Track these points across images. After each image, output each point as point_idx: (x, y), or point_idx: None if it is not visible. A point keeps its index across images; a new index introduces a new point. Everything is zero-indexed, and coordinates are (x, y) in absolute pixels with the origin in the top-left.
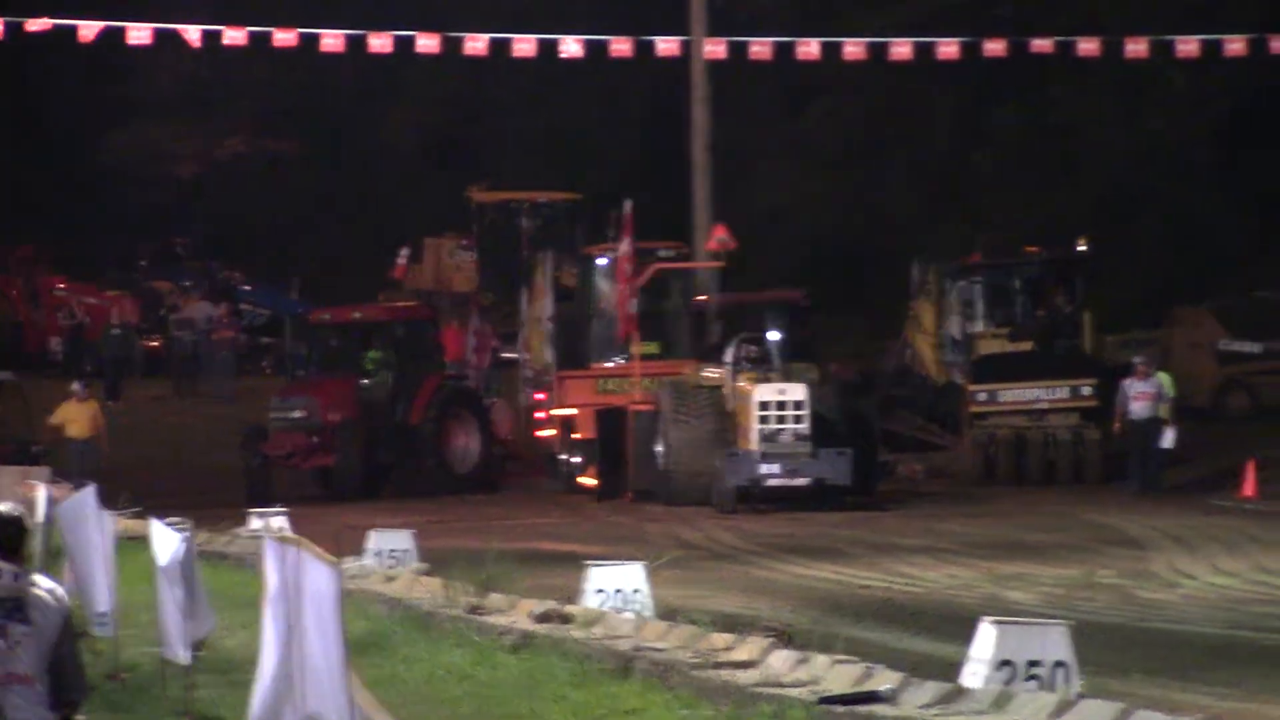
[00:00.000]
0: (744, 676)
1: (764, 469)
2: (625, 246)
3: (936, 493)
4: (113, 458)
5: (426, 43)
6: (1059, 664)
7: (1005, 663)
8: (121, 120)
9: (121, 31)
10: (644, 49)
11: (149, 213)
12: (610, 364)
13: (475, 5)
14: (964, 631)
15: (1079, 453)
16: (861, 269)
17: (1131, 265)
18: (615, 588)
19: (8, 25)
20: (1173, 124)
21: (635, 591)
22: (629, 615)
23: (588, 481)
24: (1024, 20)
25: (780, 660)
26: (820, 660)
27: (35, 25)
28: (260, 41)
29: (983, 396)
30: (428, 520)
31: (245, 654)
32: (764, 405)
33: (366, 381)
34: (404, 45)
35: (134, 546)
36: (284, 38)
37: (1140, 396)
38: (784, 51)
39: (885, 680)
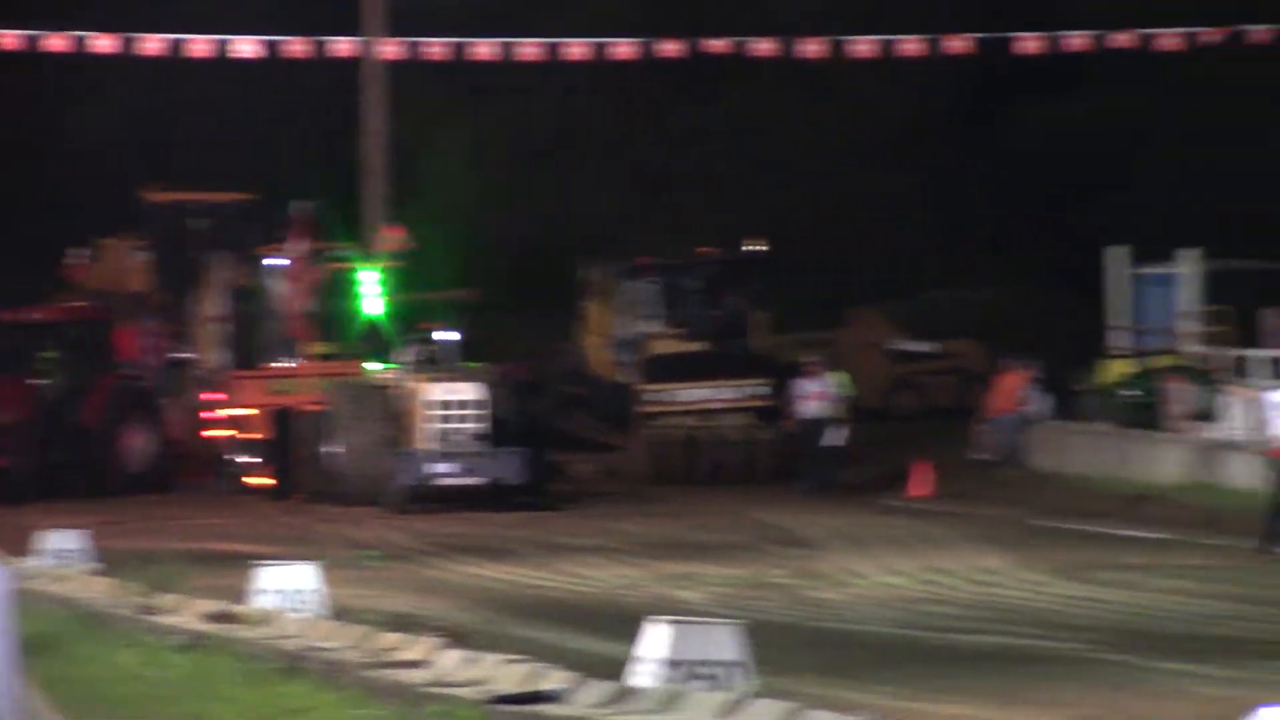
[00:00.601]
0: (414, 676)
1: (438, 468)
2: (299, 247)
3: (608, 493)
4: None
5: (104, 43)
6: (730, 663)
7: (676, 662)
8: None
9: None
10: (320, 50)
11: None
12: (283, 364)
13: (153, 6)
14: (635, 631)
15: (750, 452)
16: (536, 269)
17: (803, 266)
18: (286, 588)
19: None
20: (849, 126)
21: (306, 591)
22: (299, 615)
23: (260, 482)
24: (700, 21)
25: (450, 660)
26: (490, 660)
27: None
28: None
29: (654, 396)
30: (101, 521)
31: None
32: (437, 405)
33: (41, 382)
34: (80, 45)
35: None
36: None
37: (812, 396)
38: (461, 52)
39: (556, 680)
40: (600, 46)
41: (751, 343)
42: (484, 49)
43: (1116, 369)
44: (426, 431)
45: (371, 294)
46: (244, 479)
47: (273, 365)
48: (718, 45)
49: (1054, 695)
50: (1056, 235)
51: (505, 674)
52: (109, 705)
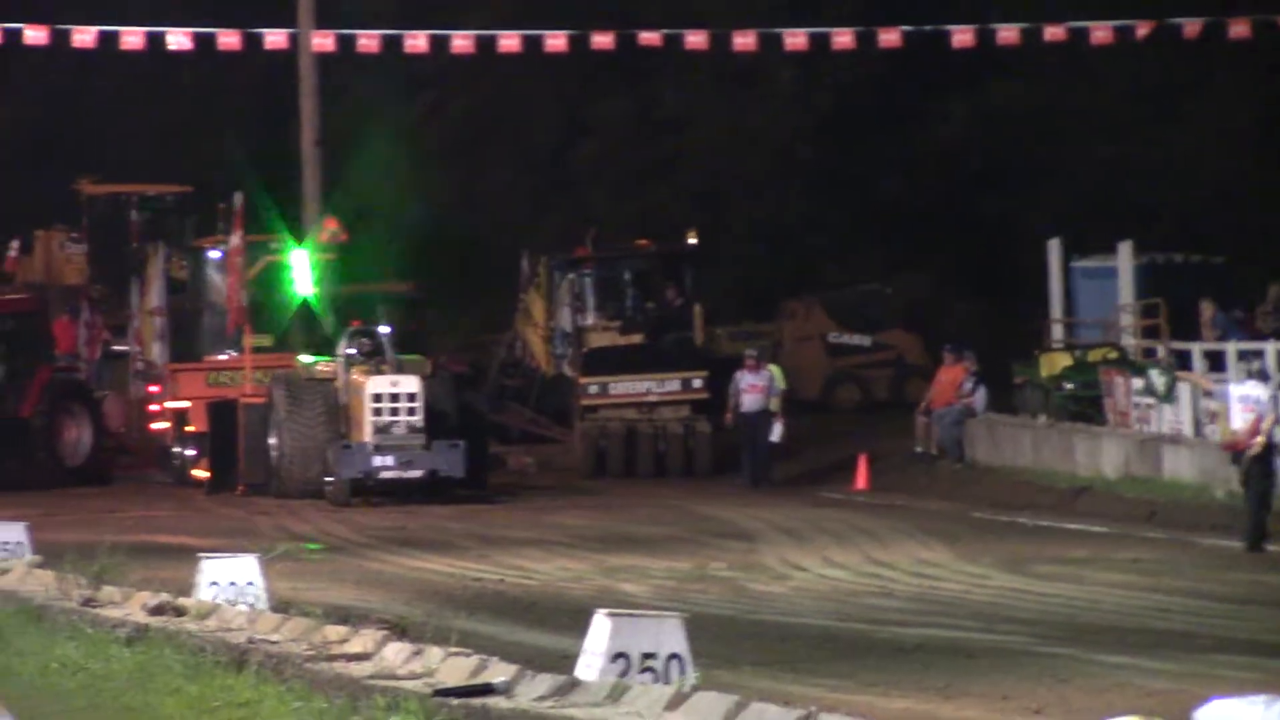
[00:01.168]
0: (358, 669)
1: (377, 461)
2: (236, 239)
3: (547, 486)
4: None
5: (35, 34)
6: (673, 656)
7: (620, 655)
8: None
9: None
10: (252, 42)
11: None
12: (222, 356)
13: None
14: (577, 624)
15: (690, 445)
16: (471, 261)
17: (739, 258)
18: (229, 580)
19: None
20: (778, 117)
21: (249, 584)
22: (243, 608)
23: (201, 474)
24: (630, 13)
25: (394, 653)
26: (435, 653)
27: None
28: None
29: (593, 389)
30: (40, 513)
31: None
32: (376, 397)
33: None
34: (12, 37)
35: None
36: None
37: (751, 389)
38: (392, 44)
39: (500, 673)
40: (532, 39)
41: (690, 335)
42: (415, 41)
43: (1056, 362)
44: (369, 424)
45: (304, 284)
46: (189, 471)
47: (212, 358)
48: (649, 38)
49: (998, 688)
50: (980, 228)
51: (450, 667)
52: (53, 698)
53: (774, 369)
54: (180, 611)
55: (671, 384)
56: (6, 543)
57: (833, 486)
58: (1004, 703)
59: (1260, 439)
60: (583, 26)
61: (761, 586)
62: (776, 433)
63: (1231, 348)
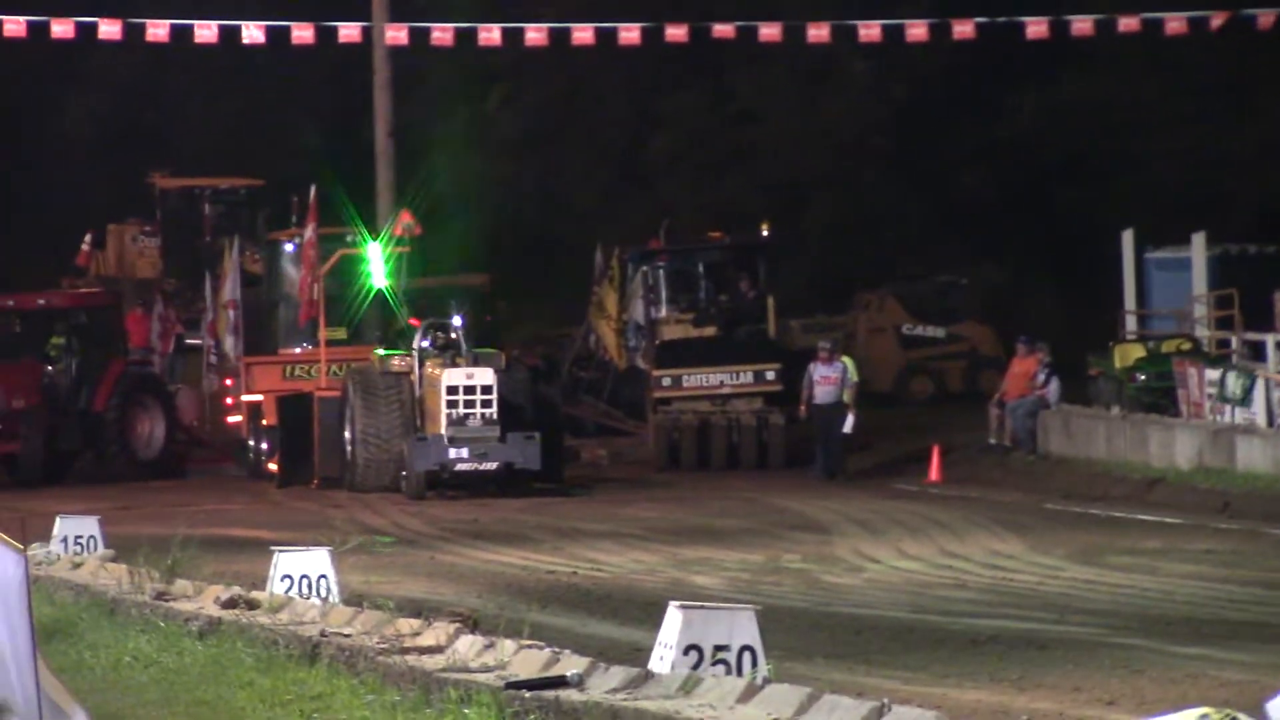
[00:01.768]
0: (431, 662)
1: (452, 453)
2: (310, 232)
3: (620, 478)
4: None
5: (109, 29)
6: (746, 648)
7: (692, 647)
8: None
9: None
10: (326, 35)
11: None
12: (297, 350)
13: None
14: (650, 616)
15: (763, 437)
16: (546, 254)
17: (813, 250)
18: (301, 573)
19: None
20: (852, 109)
21: (321, 577)
22: (315, 601)
23: (274, 468)
24: (705, 6)
25: (467, 645)
26: (507, 645)
27: None
28: None
29: (666, 382)
30: (113, 507)
31: None
32: (451, 390)
33: (51, 368)
34: (86, 31)
35: None
36: None
37: (824, 381)
38: (466, 37)
39: (572, 665)
40: (605, 32)
41: (764, 327)
42: (489, 34)
43: (1129, 353)
44: (442, 417)
45: (379, 277)
46: (266, 465)
47: (288, 351)
48: (722, 30)
49: (1070, 679)
50: (1056, 219)
51: (522, 659)
52: (125, 692)
53: (847, 361)
54: (253, 605)
55: (745, 376)
56: (80, 537)
57: (906, 478)
58: (1076, 694)
59: None
60: (656, 19)
61: (835, 578)
62: (848, 424)
63: None
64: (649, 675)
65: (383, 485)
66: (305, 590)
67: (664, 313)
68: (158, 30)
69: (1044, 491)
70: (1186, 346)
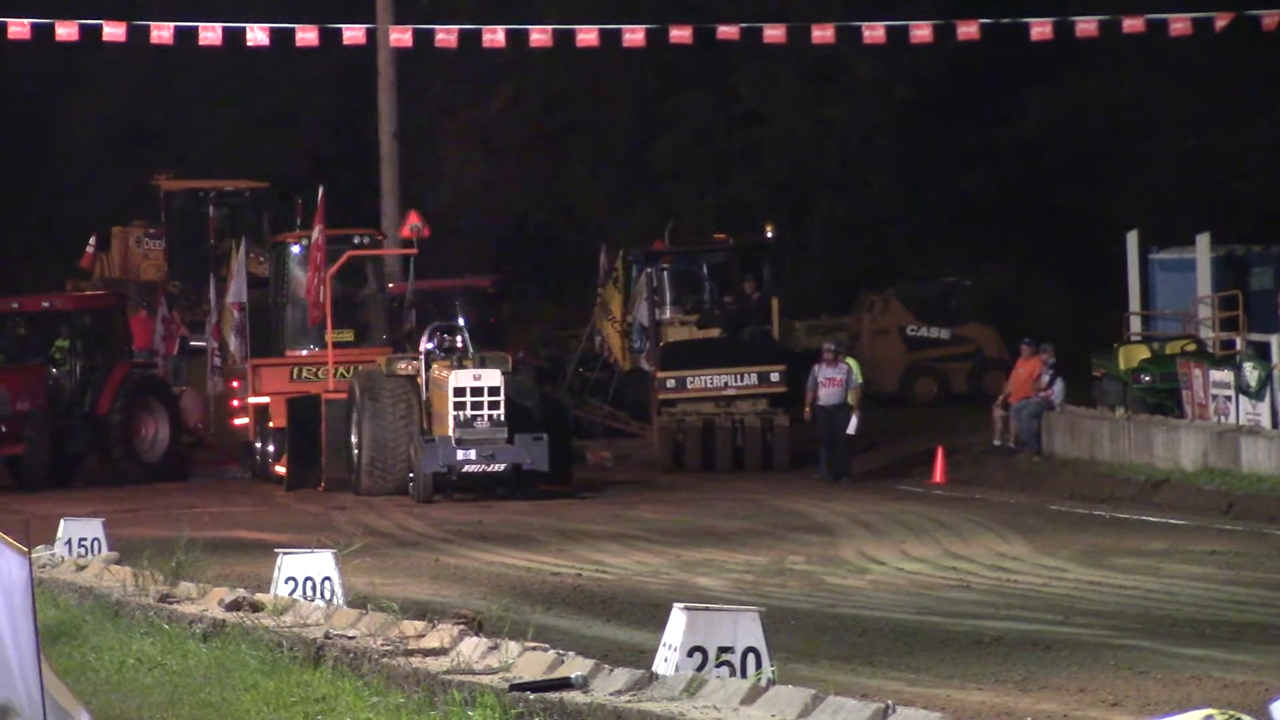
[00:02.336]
0: (435, 664)
1: (460, 455)
2: (317, 233)
3: (625, 480)
4: None
5: (113, 31)
6: (750, 650)
7: (696, 649)
8: None
9: None
10: (330, 37)
11: None
12: (304, 352)
13: None
14: (654, 618)
15: (767, 439)
16: (549, 256)
17: (818, 251)
18: (306, 575)
19: None
20: (857, 111)
21: (325, 579)
22: (320, 603)
23: (282, 470)
24: (710, 7)
25: (471, 647)
26: (511, 647)
27: None
28: None
29: (671, 383)
30: (117, 509)
31: None
32: (459, 391)
33: (55, 371)
34: (91, 33)
35: None
36: None
37: (828, 382)
38: (470, 39)
39: (576, 667)
40: (610, 33)
41: (768, 328)
42: (493, 36)
43: (1134, 354)
44: (450, 419)
45: (386, 278)
46: (273, 467)
47: (295, 352)
48: (727, 32)
49: (1075, 681)
50: (1061, 220)
51: (527, 661)
52: (130, 694)
53: (852, 362)
54: (257, 607)
55: (749, 378)
56: (84, 539)
57: (910, 480)
58: (1081, 695)
59: None
60: (661, 21)
61: (839, 580)
62: (852, 426)
63: None
64: (653, 677)
65: (389, 488)
66: (309, 592)
67: (668, 314)
68: (162, 32)
69: (1048, 493)
70: (1191, 347)
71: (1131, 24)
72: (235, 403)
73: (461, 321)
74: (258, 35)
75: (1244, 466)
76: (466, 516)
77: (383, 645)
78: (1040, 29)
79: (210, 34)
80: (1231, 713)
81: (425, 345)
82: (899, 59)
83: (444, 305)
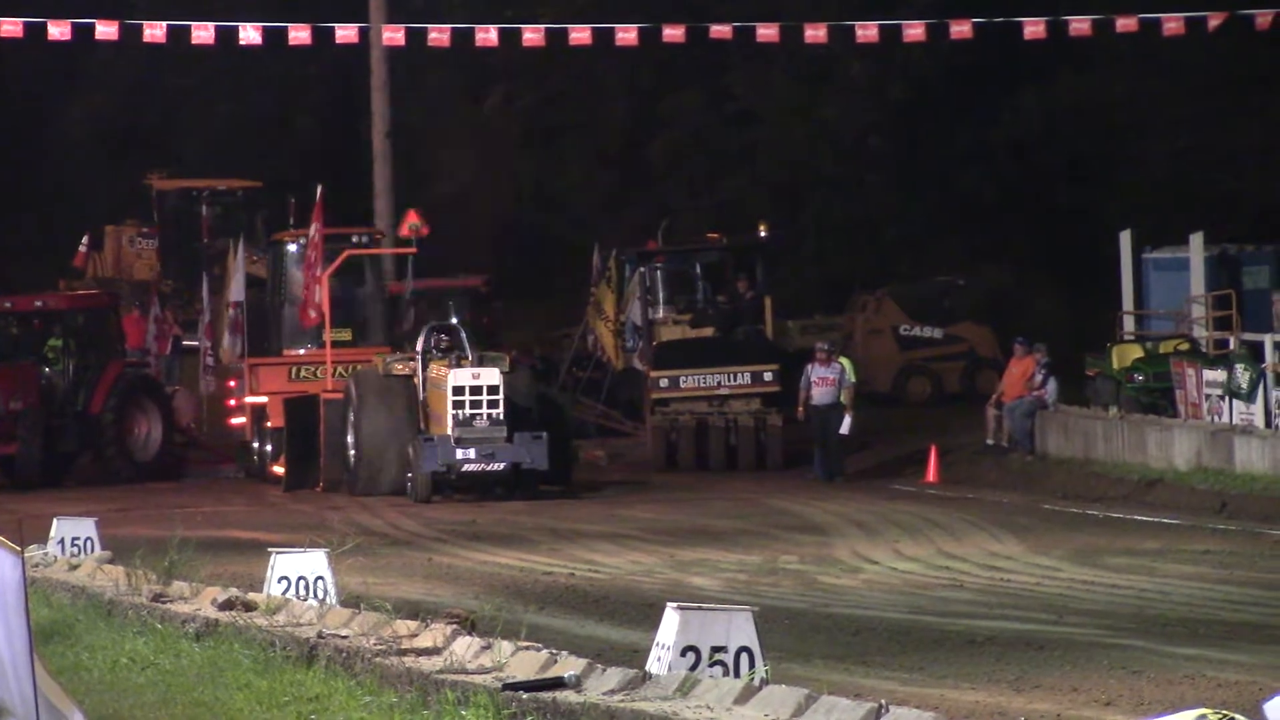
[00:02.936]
0: (428, 663)
1: (460, 454)
2: (314, 232)
3: (618, 479)
4: None
5: (105, 30)
6: (743, 650)
7: (690, 648)
8: None
9: None
10: (323, 36)
11: None
12: (301, 351)
13: None
14: (648, 618)
15: (761, 438)
16: (543, 255)
17: (811, 251)
18: (299, 575)
19: None
20: (850, 110)
21: (318, 579)
22: (313, 602)
23: (280, 470)
24: (703, 7)
25: (464, 647)
26: (504, 646)
27: None
28: None
29: (664, 383)
30: (110, 509)
31: None
32: (458, 390)
33: (47, 370)
34: (83, 32)
35: None
36: None
37: (822, 382)
38: (463, 38)
39: (569, 667)
40: (603, 32)
41: (761, 328)
42: (486, 35)
43: (1127, 354)
44: (448, 417)
45: (384, 278)
46: (271, 467)
47: (292, 352)
48: (720, 31)
49: (1068, 680)
50: (1056, 220)
51: (520, 661)
52: (123, 693)
53: (845, 362)
54: (250, 606)
55: (742, 377)
56: (77, 538)
57: (904, 479)
58: (1075, 695)
59: None
60: (654, 19)
61: (832, 580)
62: (846, 425)
63: None
64: (646, 676)
65: (387, 489)
66: (302, 592)
67: (661, 313)
68: (155, 31)
69: (1042, 492)
70: (1184, 347)
71: (1125, 23)
72: (233, 402)
73: (454, 321)
74: (250, 34)
75: (1237, 466)
76: (459, 516)
77: (376, 645)
78: (1033, 28)
79: (203, 33)
80: (1225, 712)
81: (422, 346)
82: (892, 58)
83: (436, 304)
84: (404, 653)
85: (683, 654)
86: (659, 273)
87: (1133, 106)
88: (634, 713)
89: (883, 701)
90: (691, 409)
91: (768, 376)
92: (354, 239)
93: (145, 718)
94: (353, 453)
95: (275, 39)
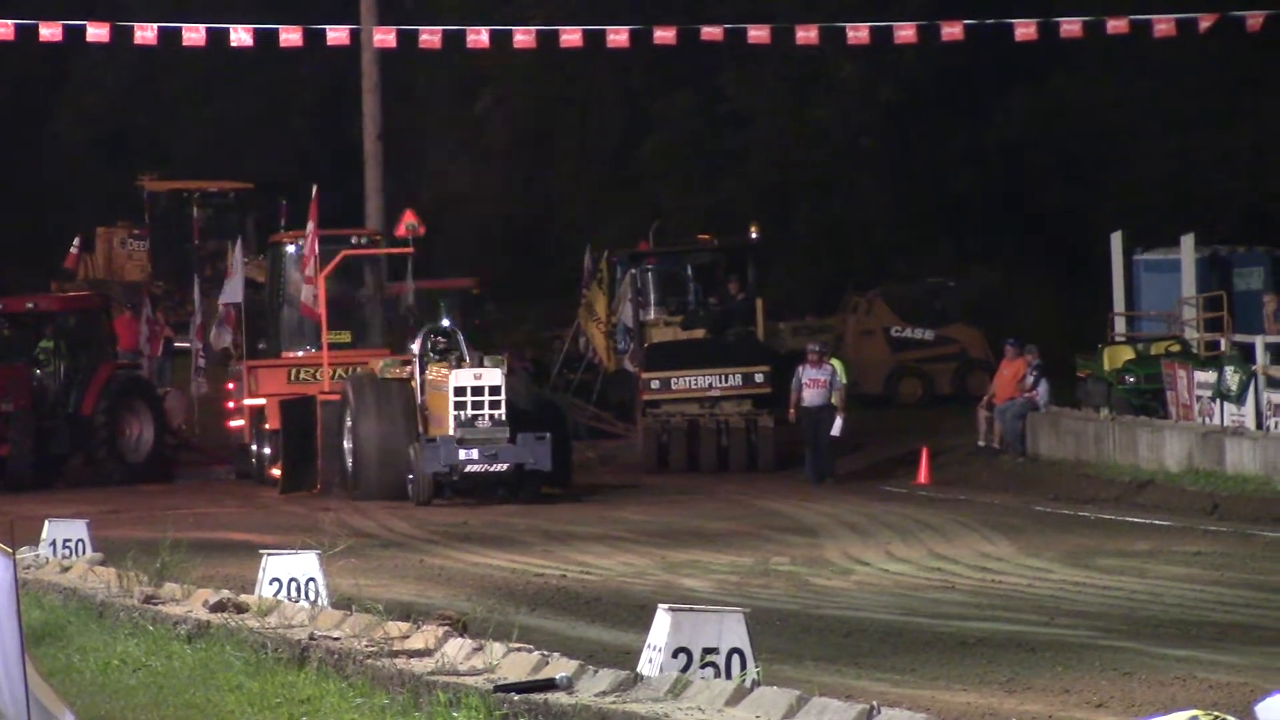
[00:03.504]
0: (419, 665)
1: (462, 455)
2: (310, 231)
3: (609, 481)
4: None
5: (96, 32)
6: (735, 651)
7: (681, 650)
8: None
9: None
10: (314, 38)
11: None
12: (299, 353)
13: None
14: (640, 619)
15: (752, 440)
16: (535, 256)
17: (802, 252)
18: (290, 576)
19: None
20: (842, 111)
21: (310, 580)
22: (304, 604)
23: (278, 472)
24: (694, 8)
25: (456, 649)
26: (496, 648)
27: None
28: None
29: (655, 384)
30: (102, 510)
31: None
32: (459, 391)
33: (39, 372)
34: (74, 35)
35: None
36: None
37: (813, 384)
38: (454, 40)
39: (561, 668)
40: (594, 34)
41: (752, 329)
42: (477, 37)
43: (1118, 355)
44: (450, 419)
45: (382, 279)
46: (269, 470)
47: (291, 354)
48: (711, 32)
49: (1060, 682)
50: (1047, 221)
51: (511, 662)
52: (114, 695)
53: (836, 363)
54: (241, 608)
55: (734, 378)
56: (68, 540)
57: (895, 481)
58: (1066, 696)
59: None
60: (645, 21)
61: (824, 581)
62: (837, 427)
63: None
64: (638, 678)
65: (385, 494)
66: (294, 593)
67: (652, 315)
68: (146, 33)
69: (1033, 494)
70: (1176, 348)
71: (1116, 25)
72: (231, 405)
73: (446, 323)
74: (241, 36)
75: (1228, 467)
76: (452, 518)
77: (367, 646)
78: (1025, 30)
79: (194, 35)
80: (1216, 714)
81: (419, 348)
82: (883, 60)
83: (427, 306)
84: (396, 654)
85: (674, 655)
86: (650, 274)
87: (1124, 108)
88: (626, 714)
89: (874, 703)
90: (683, 410)
91: (759, 378)
92: (353, 240)
93: (136, 719)
94: (350, 458)
95: (266, 41)
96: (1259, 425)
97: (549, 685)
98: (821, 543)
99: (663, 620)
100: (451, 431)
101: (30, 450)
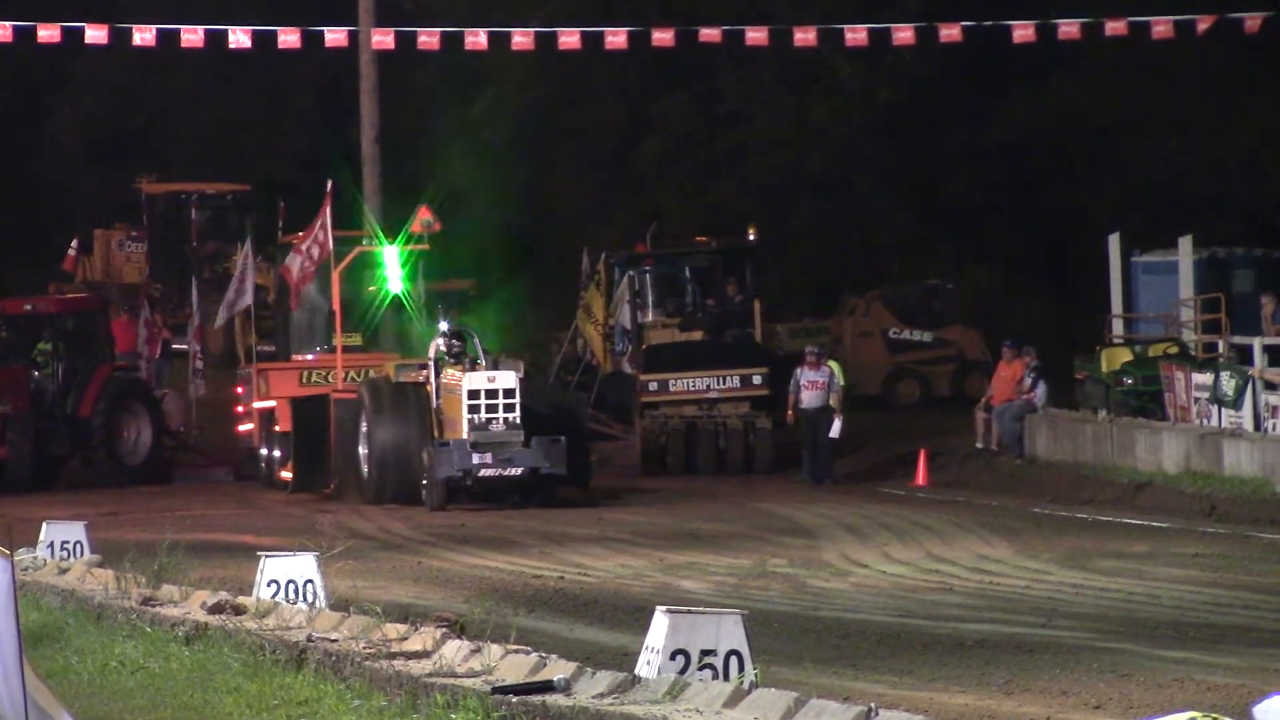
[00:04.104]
0: (417, 667)
1: (476, 459)
2: (320, 224)
3: (607, 483)
4: None
5: (95, 34)
6: (733, 653)
7: (679, 652)
8: None
9: None
10: (312, 40)
11: None
12: (310, 355)
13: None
14: (637, 621)
15: (750, 442)
16: (533, 258)
17: (800, 254)
18: (288, 578)
19: None
20: (840, 113)
21: (308, 582)
22: (302, 606)
23: (288, 475)
24: (692, 10)
25: (453, 650)
26: (494, 650)
27: None
28: None
29: (653, 386)
30: (100, 512)
31: None
32: (473, 394)
33: (37, 374)
34: (73, 36)
35: None
36: None
37: (811, 386)
38: (452, 42)
39: (559, 670)
40: (592, 35)
41: (750, 331)
42: (475, 38)
43: (1116, 357)
44: (464, 422)
45: (395, 280)
46: (279, 472)
47: (300, 357)
48: (709, 34)
49: (1058, 684)
50: (1046, 223)
51: (509, 664)
52: (112, 697)
53: (834, 365)
54: (239, 610)
55: (732, 380)
56: (66, 542)
57: (893, 482)
58: (1064, 698)
59: None
60: (644, 23)
61: (822, 583)
62: (835, 429)
63: None
64: (636, 680)
65: (400, 498)
66: (292, 595)
67: (650, 317)
68: (144, 35)
69: (1031, 495)
70: (1173, 350)
71: (1114, 27)
72: (240, 409)
73: (443, 324)
74: (240, 38)
75: (1226, 469)
76: (449, 520)
77: (365, 648)
78: (1023, 32)
79: (192, 36)
80: (1214, 715)
81: (433, 351)
82: (881, 61)
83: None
84: (393, 656)
85: (672, 657)
86: (648, 276)
87: (1122, 109)
88: (623, 716)
89: (872, 705)
90: (681, 412)
91: (757, 380)
92: (365, 239)
93: None
94: (365, 463)
95: (265, 42)
96: (1257, 427)
97: (547, 687)
98: (819, 544)
99: (660, 622)
100: (465, 435)
101: (28, 452)
